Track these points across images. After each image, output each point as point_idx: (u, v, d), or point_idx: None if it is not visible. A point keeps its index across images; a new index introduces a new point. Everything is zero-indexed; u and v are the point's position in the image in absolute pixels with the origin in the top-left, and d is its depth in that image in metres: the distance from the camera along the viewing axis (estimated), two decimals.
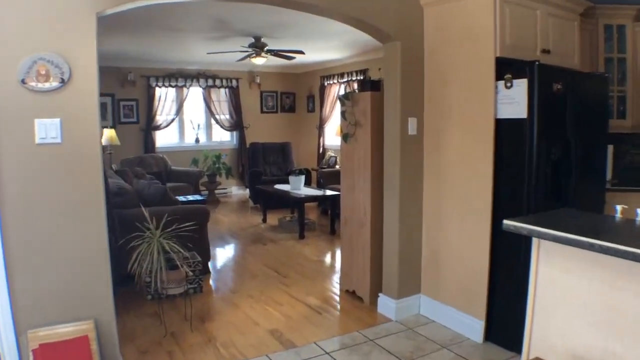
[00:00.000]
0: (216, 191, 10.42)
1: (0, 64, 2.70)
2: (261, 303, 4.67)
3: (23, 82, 2.76)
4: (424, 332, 3.98)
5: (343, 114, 4.45)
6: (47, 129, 2.85)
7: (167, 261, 3.96)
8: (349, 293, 4.83)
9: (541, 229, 2.27)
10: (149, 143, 10.08)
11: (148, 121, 10.06)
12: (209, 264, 5.63)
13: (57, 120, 2.86)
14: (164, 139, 10.52)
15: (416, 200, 4.15)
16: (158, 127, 10.20)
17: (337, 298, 4.82)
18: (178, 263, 3.90)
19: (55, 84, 2.85)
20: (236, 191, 11.26)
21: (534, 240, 2.45)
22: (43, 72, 2.83)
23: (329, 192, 7.51)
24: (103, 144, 8.18)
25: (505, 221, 2.43)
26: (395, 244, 4.16)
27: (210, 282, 5.35)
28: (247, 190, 10.45)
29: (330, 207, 7.36)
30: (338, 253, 6.41)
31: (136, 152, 9.87)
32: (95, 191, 3.01)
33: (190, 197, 8.09)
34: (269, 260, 6.07)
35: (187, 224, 4.08)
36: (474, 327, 3.78)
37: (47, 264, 2.88)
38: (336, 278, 5.35)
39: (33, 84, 2.78)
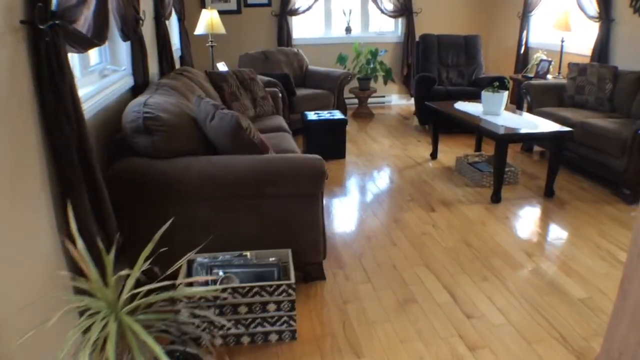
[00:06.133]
0: (370, 100, 7.66)
1: None
2: None
3: None
4: None
5: None
6: None
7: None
8: None
9: None
10: (283, 33, 7.48)
11: (283, 3, 7.40)
12: (324, 262, 3.04)
13: None
14: (303, 28, 7.85)
15: None
16: (295, 12, 7.50)
17: None
18: None
19: None
20: (397, 101, 8.37)
21: None
22: None
23: (550, 126, 4.35)
24: (201, 32, 5.73)
25: None
26: None
27: (316, 311, 2.78)
28: (412, 101, 7.55)
29: (553, 150, 4.25)
30: (570, 251, 3.42)
31: (268, 44, 7.37)
32: None
33: (326, 114, 5.48)
34: (438, 255, 3.32)
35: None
36: None
37: None
38: (580, 336, 2.48)
39: None
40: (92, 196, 2.06)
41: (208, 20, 5.58)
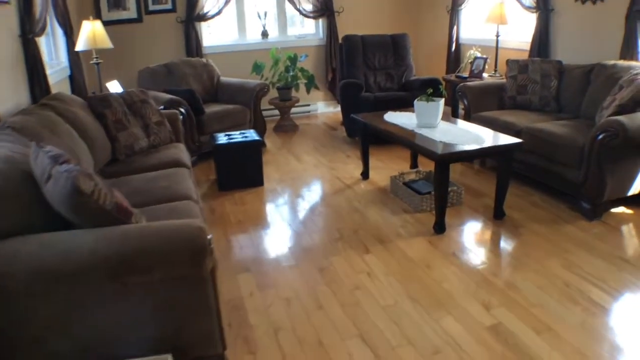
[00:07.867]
0: (293, 110, 6.91)
1: None
2: None
3: None
4: None
5: None
6: None
7: None
8: None
9: None
10: (191, 41, 6.64)
11: (189, 7, 6.55)
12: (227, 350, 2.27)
13: None
14: (214, 35, 7.04)
15: None
16: (204, 17, 6.66)
17: None
18: None
19: None
20: (323, 109, 7.68)
21: None
22: None
23: (497, 138, 3.75)
24: (82, 48, 4.81)
25: None
26: None
27: None
28: (339, 109, 6.86)
29: (501, 165, 3.64)
30: (535, 295, 2.78)
31: (176, 54, 6.50)
32: None
33: (239, 135, 4.71)
34: (375, 318, 2.60)
35: None
36: None
37: None
38: None
39: None
40: None
41: (90, 33, 4.65)
